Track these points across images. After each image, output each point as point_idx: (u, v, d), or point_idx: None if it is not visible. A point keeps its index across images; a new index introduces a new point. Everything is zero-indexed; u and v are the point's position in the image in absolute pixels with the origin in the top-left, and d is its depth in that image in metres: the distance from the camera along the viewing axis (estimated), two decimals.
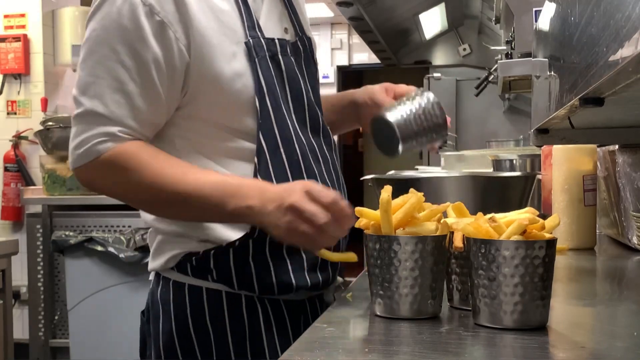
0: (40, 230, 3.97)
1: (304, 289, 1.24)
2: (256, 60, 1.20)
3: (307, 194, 1.08)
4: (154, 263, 1.27)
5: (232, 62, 1.18)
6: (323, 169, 1.29)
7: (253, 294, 1.22)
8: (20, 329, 4.13)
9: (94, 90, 1.13)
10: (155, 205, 1.20)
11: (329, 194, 1.09)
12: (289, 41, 1.29)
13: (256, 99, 1.19)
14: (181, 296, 1.22)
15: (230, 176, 1.19)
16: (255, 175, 1.20)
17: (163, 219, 1.24)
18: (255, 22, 1.23)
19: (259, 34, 1.22)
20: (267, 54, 1.22)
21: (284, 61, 1.26)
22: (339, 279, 1.39)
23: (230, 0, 1.21)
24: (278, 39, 1.26)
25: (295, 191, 1.09)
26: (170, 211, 1.19)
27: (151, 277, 1.32)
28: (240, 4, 1.22)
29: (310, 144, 1.28)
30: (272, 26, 1.28)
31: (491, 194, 1.23)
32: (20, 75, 4.43)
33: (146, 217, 1.27)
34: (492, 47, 3.65)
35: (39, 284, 4.00)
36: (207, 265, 1.21)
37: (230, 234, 1.20)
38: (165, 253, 1.24)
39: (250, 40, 1.20)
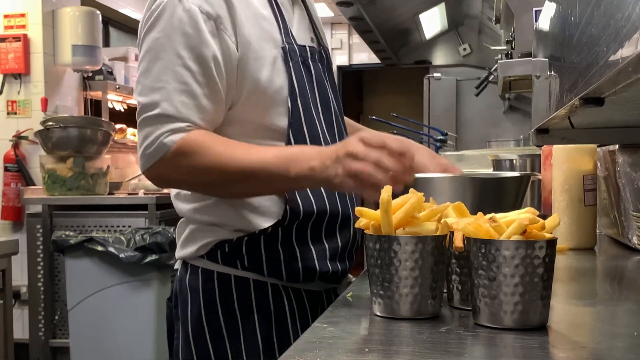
0: (40, 230, 3.97)
1: (325, 275, 1.34)
2: (290, 64, 1.30)
3: (360, 141, 1.12)
4: (184, 251, 1.35)
5: (270, 66, 1.27)
6: None
7: (280, 281, 1.32)
8: (20, 329, 4.13)
9: (162, 95, 1.20)
10: (224, 185, 1.24)
11: (380, 137, 1.12)
12: (316, 49, 1.41)
13: (289, 100, 1.29)
14: (210, 283, 1.31)
15: (292, 146, 1.26)
16: None
17: (199, 210, 1.31)
18: (289, 30, 1.35)
19: (292, 40, 1.33)
20: (299, 59, 1.33)
21: (314, 66, 1.38)
22: (350, 276, 1.47)
23: (269, 9, 1.31)
24: (308, 46, 1.38)
25: (349, 141, 1.14)
26: (238, 188, 1.24)
27: (177, 265, 1.40)
28: (277, 13, 1.33)
29: (334, 142, 1.37)
30: (302, 35, 1.39)
31: (486, 194, 1.23)
32: (20, 75, 4.43)
33: (181, 207, 1.35)
34: (492, 47, 3.65)
35: (39, 284, 4.00)
36: (239, 252, 1.29)
37: (262, 222, 1.29)
38: (197, 241, 1.32)
39: (287, 45, 1.31)
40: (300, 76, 1.33)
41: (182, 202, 1.36)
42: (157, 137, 1.20)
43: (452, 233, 0.94)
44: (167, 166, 1.21)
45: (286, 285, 1.33)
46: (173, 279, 1.42)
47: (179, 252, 1.37)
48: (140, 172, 4.85)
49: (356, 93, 9.65)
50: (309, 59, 1.37)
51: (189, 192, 1.34)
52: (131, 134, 5.22)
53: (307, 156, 1.17)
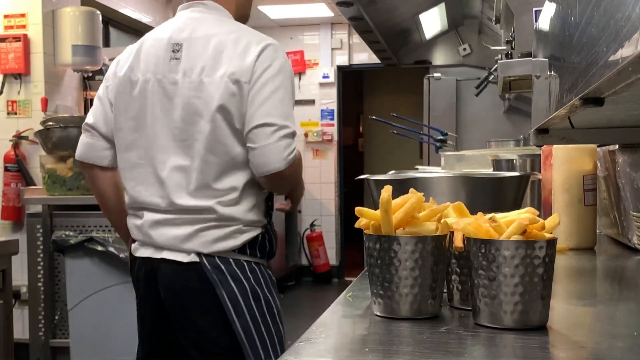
0: (40, 230, 3.97)
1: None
2: None
3: None
4: (219, 245, 1.76)
5: None
6: None
7: (268, 260, 1.89)
8: (20, 329, 4.13)
9: (293, 122, 1.78)
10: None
11: None
12: None
13: None
14: (241, 268, 1.79)
15: None
16: None
17: (251, 210, 1.80)
18: None
19: None
20: None
21: None
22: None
23: None
24: None
25: None
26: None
27: (190, 259, 1.75)
28: None
29: None
30: None
31: (487, 194, 1.23)
32: (21, 75, 4.43)
33: (230, 211, 1.76)
34: (492, 47, 3.65)
35: (39, 284, 4.00)
36: (264, 242, 1.84)
37: (265, 217, 1.87)
38: (240, 237, 1.79)
39: None
40: None
41: (233, 205, 1.77)
42: (294, 148, 1.77)
43: (452, 233, 0.94)
44: (297, 165, 1.79)
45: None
46: (168, 273, 1.75)
47: (213, 247, 1.75)
48: None
49: (356, 93, 9.65)
50: None
51: (240, 196, 1.77)
52: None
53: None
